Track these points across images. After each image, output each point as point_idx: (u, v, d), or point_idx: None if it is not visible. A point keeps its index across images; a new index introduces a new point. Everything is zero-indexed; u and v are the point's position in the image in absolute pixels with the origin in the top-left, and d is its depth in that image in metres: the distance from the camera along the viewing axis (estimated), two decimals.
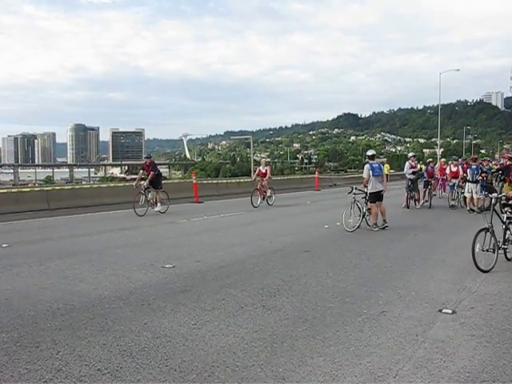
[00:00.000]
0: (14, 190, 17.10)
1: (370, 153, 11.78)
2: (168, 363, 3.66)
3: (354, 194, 11.04)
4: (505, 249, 7.22)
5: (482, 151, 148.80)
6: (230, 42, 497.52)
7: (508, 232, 7.26)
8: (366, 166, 11.25)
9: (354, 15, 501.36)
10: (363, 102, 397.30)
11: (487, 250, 6.87)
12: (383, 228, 10.95)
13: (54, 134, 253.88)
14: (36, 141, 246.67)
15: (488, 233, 6.87)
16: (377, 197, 11.11)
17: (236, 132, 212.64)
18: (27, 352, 3.83)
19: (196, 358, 3.75)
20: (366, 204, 11.17)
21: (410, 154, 18.82)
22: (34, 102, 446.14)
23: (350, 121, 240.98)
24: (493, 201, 7.26)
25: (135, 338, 4.16)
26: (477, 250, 6.74)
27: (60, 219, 13.22)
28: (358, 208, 10.96)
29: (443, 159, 21.79)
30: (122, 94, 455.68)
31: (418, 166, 19.04)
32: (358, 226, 10.75)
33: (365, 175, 11.22)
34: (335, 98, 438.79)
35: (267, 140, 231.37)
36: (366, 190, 11.24)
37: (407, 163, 17.35)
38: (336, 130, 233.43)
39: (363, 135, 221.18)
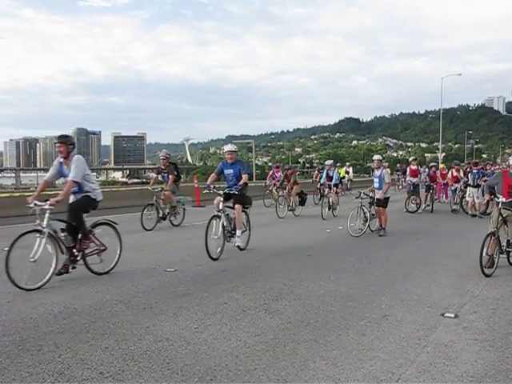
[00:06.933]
0: (16, 194, 17.15)
1: (376, 157, 11.77)
2: (170, 367, 3.65)
3: (362, 198, 11.02)
4: (508, 252, 7.21)
5: (484, 156, 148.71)
6: (231, 46, 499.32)
7: None
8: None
9: (355, 19, 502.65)
10: (364, 107, 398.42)
11: (492, 255, 6.88)
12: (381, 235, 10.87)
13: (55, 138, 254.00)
14: (38, 145, 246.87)
15: (493, 237, 6.88)
16: (383, 202, 11.08)
17: (237, 136, 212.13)
18: (29, 355, 3.82)
19: (198, 362, 3.74)
20: (371, 209, 11.14)
21: (411, 159, 18.92)
22: (35, 105, 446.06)
23: (351, 125, 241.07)
24: (499, 205, 7.20)
25: (137, 341, 4.15)
26: (484, 254, 6.74)
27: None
28: (364, 213, 10.95)
29: (442, 165, 21.91)
30: (123, 97, 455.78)
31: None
32: (363, 231, 10.72)
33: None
34: (336, 102, 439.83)
35: (269, 144, 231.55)
36: (372, 195, 11.21)
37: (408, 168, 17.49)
38: (338, 134, 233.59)
39: (365, 139, 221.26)
